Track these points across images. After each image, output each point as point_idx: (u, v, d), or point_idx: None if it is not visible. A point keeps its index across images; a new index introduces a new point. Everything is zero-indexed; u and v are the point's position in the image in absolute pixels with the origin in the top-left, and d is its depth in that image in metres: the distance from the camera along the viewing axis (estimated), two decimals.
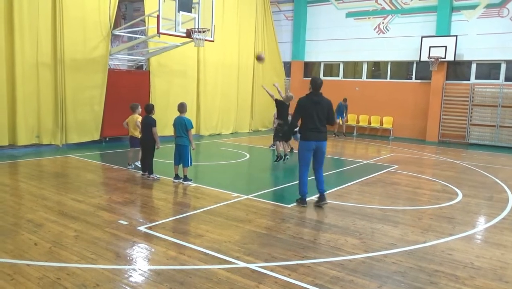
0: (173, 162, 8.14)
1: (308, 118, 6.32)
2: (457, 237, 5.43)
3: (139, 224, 5.47)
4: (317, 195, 6.68)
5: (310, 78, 6.61)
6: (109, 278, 3.93)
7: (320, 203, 6.56)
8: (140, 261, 4.39)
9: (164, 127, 14.10)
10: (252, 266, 4.29)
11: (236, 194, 7.17)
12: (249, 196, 7.07)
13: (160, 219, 5.76)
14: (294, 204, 6.70)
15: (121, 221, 5.55)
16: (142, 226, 5.41)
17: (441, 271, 4.35)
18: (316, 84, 6.39)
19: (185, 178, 7.91)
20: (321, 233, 5.37)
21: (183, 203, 6.83)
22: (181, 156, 7.91)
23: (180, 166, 7.98)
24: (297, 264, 4.39)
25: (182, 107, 7.99)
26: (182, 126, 7.85)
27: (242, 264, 4.32)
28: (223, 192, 7.38)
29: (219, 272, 4.13)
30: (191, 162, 8.00)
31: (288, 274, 4.12)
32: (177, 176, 8.01)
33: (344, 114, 17.46)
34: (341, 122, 17.32)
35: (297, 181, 8.49)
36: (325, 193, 7.12)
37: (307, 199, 6.64)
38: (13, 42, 10.40)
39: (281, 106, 9.97)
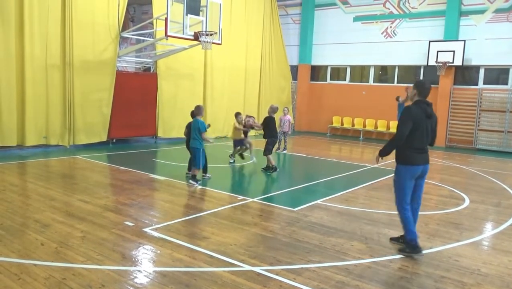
0: (179, 164, 8.19)
1: (417, 135, 4.82)
2: (464, 243, 5.39)
3: (145, 226, 5.49)
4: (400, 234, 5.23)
5: (418, 83, 5.08)
6: (115, 279, 3.95)
7: (404, 249, 4.95)
8: (146, 262, 4.40)
9: (171, 129, 14.19)
10: (257, 269, 4.28)
11: (241, 197, 7.18)
12: (255, 199, 7.08)
13: (166, 221, 5.78)
14: (299, 206, 6.67)
15: (127, 223, 5.57)
16: (148, 227, 5.43)
17: (447, 277, 4.31)
18: (425, 90, 4.97)
19: (193, 178, 7.99)
20: (326, 237, 5.36)
21: (189, 205, 6.85)
22: (193, 158, 8.02)
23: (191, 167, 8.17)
24: (302, 268, 4.38)
25: (198, 110, 8.12)
26: (195, 128, 7.96)
27: (247, 267, 4.32)
28: (229, 195, 7.40)
29: (224, 274, 4.13)
30: (202, 164, 8.10)
31: (293, 278, 4.12)
32: (194, 177, 8.11)
33: None
34: None
35: (302, 185, 8.48)
36: (334, 196, 7.07)
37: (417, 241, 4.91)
38: (23, 45, 10.53)
39: (271, 122, 9.63)
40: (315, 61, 19.66)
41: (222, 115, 16.23)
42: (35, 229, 5.18)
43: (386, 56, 17.55)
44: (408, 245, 4.87)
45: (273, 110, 9.74)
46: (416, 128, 4.79)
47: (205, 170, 8.60)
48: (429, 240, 5.41)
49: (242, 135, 10.13)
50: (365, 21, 18.01)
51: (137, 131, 13.52)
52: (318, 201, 7.10)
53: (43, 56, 10.94)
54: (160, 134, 13.96)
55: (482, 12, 15.42)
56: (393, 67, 17.76)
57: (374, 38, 17.76)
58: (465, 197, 7.95)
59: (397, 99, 15.57)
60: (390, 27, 17.44)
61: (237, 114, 10.15)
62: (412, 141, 4.82)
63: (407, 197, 4.92)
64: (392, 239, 5.34)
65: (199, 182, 7.99)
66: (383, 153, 5.07)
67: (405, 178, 4.89)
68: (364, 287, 4.00)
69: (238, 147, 10.35)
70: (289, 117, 12.97)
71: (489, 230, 6.14)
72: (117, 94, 12.40)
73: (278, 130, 11.70)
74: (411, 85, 5.37)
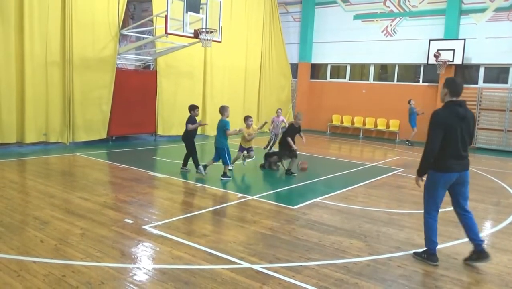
0: (178, 161, 8.42)
1: (450, 140, 4.38)
2: (463, 242, 5.38)
3: (145, 223, 5.49)
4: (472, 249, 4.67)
5: (448, 81, 4.54)
6: (114, 276, 3.95)
7: (481, 260, 4.57)
8: (145, 260, 4.40)
9: (171, 127, 14.18)
10: (257, 267, 4.29)
11: (241, 195, 7.18)
12: (254, 197, 7.08)
13: (166, 218, 5.78)
14: (299, 205, 6.67)
15: (126, 220, 5.58)
16: (147, 225, 5.43)
17: (446, 276, 4.32)
18: (456, 87, 4.44)
19: (224, 175, 8.31)
20: (326, 235, 5.36)
21: (188, 203, 6.85)
22: (220, 157, 8.37)
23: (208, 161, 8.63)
24: (301, 265, 4.38)
25: (223, 110, 8.42)
26: (220, 128, 8.27)
27: (246, 265, 4.32)
28: (228, 193, 7.40)
29: (223, 272, 4.13)
30: (229, 161, 8.45)
31: (292, 275, 4.12)
32: (205, 166, 8.56)
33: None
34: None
35: (301, 183, 8.47)
36: (333, 194, 7.02)
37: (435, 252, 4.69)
38: (22, 42, 10.50)
39: (293, 131, 9.30)
40: (315, 59, 19.64)
41: None
42: (35, 226, 5.18)
43: (386, 54, 17.54)
44: (426, 251, 4.66)
45: (298, 118, 9.41)
46: (448, 133, 4.36)
47: (185, 164, 8.89)
48: None
49: (251, 144, 9.46)
50: (365, 19, 17.98)
51: (136, 129, 13.51)
52: (318, 199, 7.11)
53: (43, 54, 10.91)
54: (159, 131, 13.95)
55: (482, 10, 15.40)
56: (393, 65, 17.75)
57: (374, 37, 17.74)
58: None
59: (409, 102, 15.57)
60: (390, 25, 17.42)
61: (246, 118, 9.48)
62: (445, 147, 4.39)
63: (437, 206, 4.62)
64: (466, 260, 4.68)
65: (229, 177, 8.38)
66: (420, 173, 4.62)
67: (437, 186, 4.53)
68: (363, 285, 4.00)
69: (244, 153, 9.57)
70: (283, 118, 12.48)
71: (488, 229, 6.14)
72: (116, 91, 12.38)
73: (270, 131, 11.72)
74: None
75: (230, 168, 9.07)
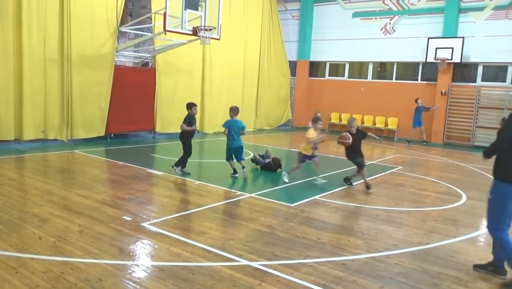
0: (177, 159, 8.45)
1: None
2: (461, 239, 5.41)
3: (143, 220, 5.49)
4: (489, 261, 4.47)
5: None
6: (113, 273, 3.95)
7: (496, 275, 4.31)
8: (144, 257, 4.41)
9: (170, 124, 14.17)
10: (255, 264, 4.30)
11: (239, 192, 7.19)
12: (253, 195, 7.08)
13: (164, 215, 5.78)
14: (297, 202, 6.68)
15: (125, 217, 5.58)
16: (146, 222, 5.43)
17: (444, 273, 4.34)
18: None
19: (243, 168, 8.43)
20: (324, 233, 5.37)
21: (187, 200, 6.86)
22: (239, 154, 8.44)
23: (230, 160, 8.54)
24: (299, 263, 4.39)
25: (236, 110, 8.43)
26: (238, 128, 8.28)
27: (245, 262, 4.33)
28: (226, 190, 7.41)
29: (222, 269, 4.14)
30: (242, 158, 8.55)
31: (290, 273, 4.13)
32: (235, 171, 8.48)
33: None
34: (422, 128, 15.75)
35: (300, 181, 8.47)
36: (332, 192, 7.02)
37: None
38: (21, 38, 10.46)
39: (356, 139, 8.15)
40: (314, 57, 19.63)
41: (221, 111, 16.19)
42: (33, 223, 5.18)
43: (385, 52, 17.53)
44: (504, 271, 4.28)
45: (352, 124, 8.19)
46: None
47: (177, 164, 8.48)
48: (426, 236, 5.44)
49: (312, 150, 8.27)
50: (364, 17, 17.97)
51: (135, 126, 13.49)
52: (316, 197, 7.12)
53: (41, 50, 10.88)
54: (158, 129, 13.95)
55: (481, 9, 15.40)
56: (392, 63, 17.75)
57: (373, 35, 17.73)
58: (462, 194, 7.98)
59: (416, 101, 15.52)
60: (389, 23, 17.41)
61: (317, 120, 8.28)
62: None
63: (507, 219, 4.15)
64: (476, 266, 4.49)
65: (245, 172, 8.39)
66: (487, 155, 4.31)
67: (506, 200, 4.09)
68: (361, 283, 4.02)
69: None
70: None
71: (485, 226, 6.15)
72: (115, 88, 12.36)
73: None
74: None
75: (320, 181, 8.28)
